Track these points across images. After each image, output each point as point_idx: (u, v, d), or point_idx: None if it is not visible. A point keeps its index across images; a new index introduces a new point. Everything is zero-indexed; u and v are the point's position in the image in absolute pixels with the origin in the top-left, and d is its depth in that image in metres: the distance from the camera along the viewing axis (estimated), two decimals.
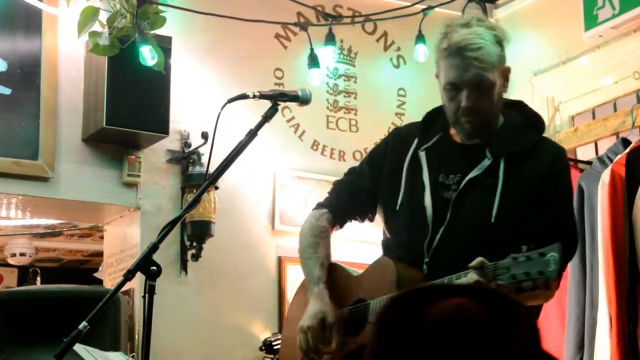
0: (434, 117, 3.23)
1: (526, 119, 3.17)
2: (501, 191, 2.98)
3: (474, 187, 3.01)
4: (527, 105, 3.25)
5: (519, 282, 2.58)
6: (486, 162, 3.03)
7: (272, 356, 4.79)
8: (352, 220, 3.36)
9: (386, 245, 3.21)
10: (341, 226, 3.36)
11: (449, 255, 2.93)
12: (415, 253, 3.00)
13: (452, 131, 3.16)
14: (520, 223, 2.94)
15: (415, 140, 3.17)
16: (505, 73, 3.09)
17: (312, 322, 3.05)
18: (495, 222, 2.95)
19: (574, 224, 3.10)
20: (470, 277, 2.71)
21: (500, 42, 3.06)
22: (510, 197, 2.97)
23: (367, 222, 3.34)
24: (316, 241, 3.25)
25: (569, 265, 4.57)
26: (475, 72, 2.98)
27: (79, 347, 3.10)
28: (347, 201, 3.31)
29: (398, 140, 3.26)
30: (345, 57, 5.64)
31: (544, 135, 3.21)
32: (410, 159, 3.14)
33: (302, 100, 3.06)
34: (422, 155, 3.13)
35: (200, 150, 4.96)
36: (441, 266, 2.92)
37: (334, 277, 3.22)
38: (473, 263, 2.71)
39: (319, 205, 3.35)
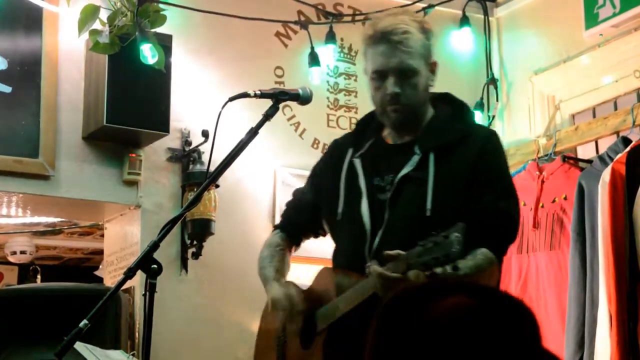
0: (367, 123, 3.26)
1: (454, 110, 3.17)
2: (433, 184, 2.98)
3: (406, 185, 3.02)
4: (454, 97, 3.25)
5: (430, 267, 2.58)
6: (416, 158, 3.04)
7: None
8: (307, 237, 3.42)
9: (333, 256, 3.23)
10: (298, 245, 3.42)
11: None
12: (357, 259, 3.01)
13: (385, 133, 3.18)
14: (457, 213, 2.92)
15: (350, 149, 3.20)
16: (433, 67, 3.14)
17: (275, 297, 3.11)
18: (431, 215, 2.95)
19: (510, 204, 3.05)
20: (373, 268, 2.74)
21: (426, 32, 3.10)
22: (443, 188, 2.98)
23: (321, 237, 3.39)
24: (270, 253, 3.31)
25: (569, 263, 4.59)
26: (401, 57, 3.02)
27: (79, 345, 3.11)
28: (296, 219, 3.38)
29: (336, 151, 3.30)
30: (345, 56, 5.64)
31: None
32: (347, 168, 3.17)
33: (303, 98, 3.06)
34: (357, 162, 3.15)
35: (201, 148, 4.96)
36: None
37: None
38: (389, 252, 2.73)
39: (274, 228, 3.43)
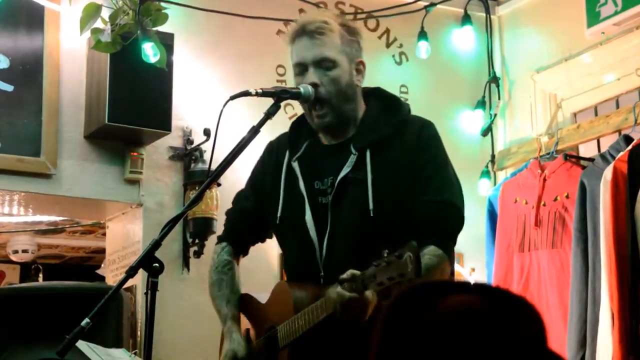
0: (301, 123, 3.22)
1: (385, 104, 3.14)
2: (372, 183, 2.96)
3: (347, 187, 2.99)
4: (384, 91, 3.22)
5: (387, 288, 2.54)
6: (352, 158, 3.01)
7: None
8: (253, 244, 3.39)
9: (286, 265, 3.25)
10: (245, 253, 3.40)
11: (340, 262, 2.87)
12: (310, 269, 3.00)
13: (320, 133, 3.15)
14: (401, 209, 2.92)
15: (287, 152, 3.17)
16: (358, 66, 3.10)
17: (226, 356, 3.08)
18: (375, 215, 2.93)
19: (453, 193, 3.02)
20: (343, 294, 2.67)
21: (348, 29, 3.09)
22: (383, 186, 2.95)
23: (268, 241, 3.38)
24: (220, 278, 3.28)
25: (571, 261, 4.58)
26: (318, 49, 3.03)
27: (81, 344, 3.10)
28: (240, 228, 3.34)
29: (272, 154, 3.27)
30: None
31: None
32: (285, 172, 3.14)
33: (304, 97, 3.05)
34: (296, 165, 3.13)
35: (203, 147, 4.96)
36: (336, 274, 2.84)
37: (247, 307, 3.25)
38: (343, 276, 2.68)
39: (219, 239, 3.38)
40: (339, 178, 3.00)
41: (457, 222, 3.02)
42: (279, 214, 3.10)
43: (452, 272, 3.07)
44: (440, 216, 2.95)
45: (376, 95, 3.19)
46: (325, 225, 3.00)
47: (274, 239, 3.32)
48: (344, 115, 3.06)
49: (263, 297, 3.23)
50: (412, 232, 2.83)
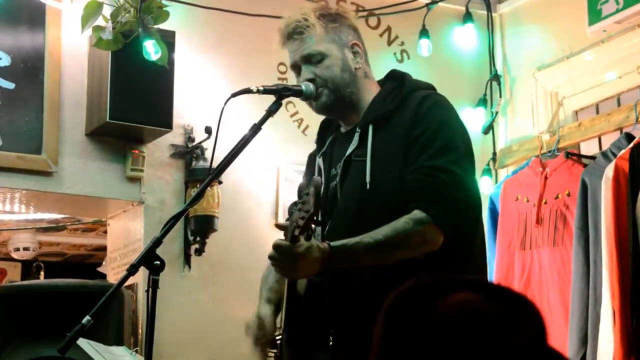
0: (328, 123, 3.28)
1: (394, 84, 3.14)
2: (371, 155, 2.96)
3: (351, 164, 3.02)
4: (396, 71, 3.23)
5: (302, 227, 2.60)
6: (357, 136, 3.03)
7: (275, 351, 4.78)
8: None
9: None
10: None
11: (337, 233, 2.88)
12: None
13: (341, 127, 3.19)
14: (397, 180, 2.91)
15: (317, 152, 3.25)
16: (354, 48, 3.13)
17: (251, 321, 3.12)
18: (370, 187, 2.92)
19: (449, 158, 2.92)
20: (273, 242, 2.74)
21: (327, 16, 3.11)
22: (382, 159, 2.95)
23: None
24: (269, 271, 3.24)
25: (573, 259, 4.58)
26: (302, 47, 3.07)
27: (82, 342, 3.10)
28: None
29: (311, 160, 3.33)
30: None
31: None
32: (317, 171, 3.18)
33: (306, 94, 3.06)
34: (320, 161, 3.18)
35: (204, 144, 4.96)
36: None
37: None
38: (278, 223, 2.80)
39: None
40: (344, 156, 3.04)
41: (452, 186, 2.89)
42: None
43: (459, 240, 2.90)
44: (429, 181, 2.87)
45: (390, 77, 3.21)
46: (335, 205, 3.02)
47: None
48: (344, 98, 3.08)
49: None
50: (402, 198, 2.85)
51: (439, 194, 2.87)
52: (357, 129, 3.04)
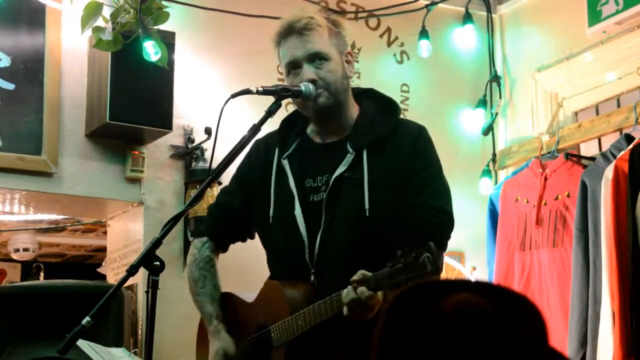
0: (291, 122, 3.23)
1: (380, 105, 3.14)
2: (368, 182, 2.96)
3: (343, 185, 3.00)
4: (377, 92, 3.22)
5: (395, 286, 2.58)
6: (349, 157, 3.01)
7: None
8: (234, 242, 3.38)
9: (271, 263, 3.20)
10: (225, 250, 3.40)
11: (333, 260, 2.90)
12: (299, 266, 2.99)
13: (311, 133, 3.16)
14: (395, 210, 2.94)
15: (277, 150, 3.17)
16: (348, 57, 3.13)
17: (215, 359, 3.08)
18: (370, 215, 2.94)
19: (447, 201, 3.04)
20: (359, 291, 2.68)
21: (332, 21, 3.11)
22: (379, 186, 2.96)
23: (249, 240, 3.37)
24: (202, 274, 3.27)
25: (572, 260, 4.58)
26: (309, 45, 3.04)
27: (82, 343, 3.10)
28: (224, 224, 3.31)
29: (260, 151, 3.25)
30: None
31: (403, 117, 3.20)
32: (276, 170, 3.13)
33: (305, 95, 3.05)
34: (286, 163, 3.12)
35: (204, 145, 4.96)
36: (328, 272, 2.92)
37: (229, 306, 3.24)
38: (354, 277, 2.69)
39: (199, 233, 3.37)
40: (334, 176, 3.00)
41: (449, 230, 3.03)
42: (271, 213, 3.09)
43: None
44: (436, 222, 2.97)
45: (370, 96, 3.20)
46: (318, 223, 2.99)
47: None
48: (341, 103, 3.07)
49: (246, 296, 3.22)
50: (409, 235, 2.88)
51: (444, 238, 3.00)
52: (350, 150, 3.02)
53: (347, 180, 2.99)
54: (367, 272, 2.67)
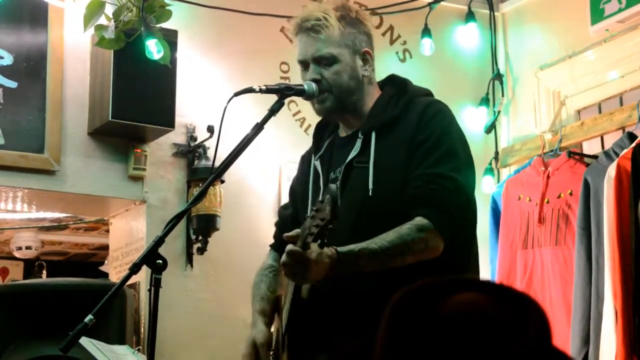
0: (324, 125, 3.26)
1: (396, 89, 3.13)
2: (374, 162, 2.95)
3: (352, 169, 3.00)
4: (397, 76, 3.22)
5: (316, 235, 2.60)
6: (359, 142, 3.02)
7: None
8: None
9: None
10: None
11: (339, 243, 2.86)
12: None
13: (340, 130, 3.18)
14: (400, 187, 2.91)
15: (312, 154, 3.21)
16: (364, 56, 3.10)
17: (246, 349, 3.09)
18: (374, 195, 2.92)
19: (451, 166, 2.95)
20: (286, 248, 2.71)
21: (347, 19, 3.07)
22: (385, 167, 2.95)
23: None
24: (260, 279, 3.27)
25: (575, 259, 4.58)
26: (316, 46, 3.04)
27: (84, 341, 3.11)
28: (281, 235, 3.35)
29: (304, 162, 3.31)
30: None
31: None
32: (312, 173, 3.16)
33: (308, 94, 3.05)
34: (317, 163, 3.15)
35: (206, 144, 4.96)
36: None
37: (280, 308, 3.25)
38: (287, 234, 2.73)
39: (269, 247, 3.40)
40: (344, 163, 3.02)
41: (453, 193, 2.92)
42: (308, 214, 3.11)
43: (457, 246, 2.96)
44: (431, 188, 2.88)
45: (389, 82, 3.20)
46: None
47: None
48: (347, 105, 3.06)
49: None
50: (404, 205, 2.85)
51: (441, 200, 2.89)
52: (360, 135, 3.03)
53: (356, 165, 3.00)
54: (297, 230, 2.70)
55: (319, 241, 2.65)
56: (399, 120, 3.02)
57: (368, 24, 3.17)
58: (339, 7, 3.12)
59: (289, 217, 3.31)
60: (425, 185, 2.89)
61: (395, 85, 3.17)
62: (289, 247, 2.69)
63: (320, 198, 2.57)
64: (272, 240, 3.39)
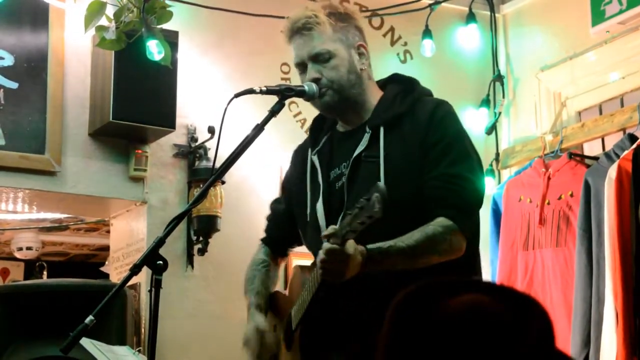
0: (322, 121, 3.25)
1: (401, 87, 3.14)
2: (384, 158, 2.95)
3: (361, 164, 3.00)
4: (402, 75, 3.23)
5: (357, 233, 2.58)
6: (367, 137, 3.01)
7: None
8: (291, 247, 3.40)
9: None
10: (283, 255, 3.42)
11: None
12: (318, 250, 2.96)
13: (338, 126, 3.17)
14: (412, 184, 2.91)
15: (309, 149, 3.20)
16: (359, 50, 3.11)
17: (249, 334, 3.12)
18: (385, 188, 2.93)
19: (466, 167, 2.97)
20: (324, 246, 2.68)
21: (336, 15, 3.08)
22: (395, 162, 2.94)
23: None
24: (253, 274, 3.29)
25: (575, 260, 4.58)
26: (310, 44, 3.04)
27: (85, 341, 3.11)
28: (274, 229, 3.39)
29: (298, 157, 3.30)
30: None
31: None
32: (310, 168, 3.15)
33: (309, 95, 3.05)
34: (315, 159, 3.14)
35: (207, 144, 4.97)
36: None
37: (275, 304, 3.26)
38: (324, 232, 2.69)
39: (260, 241, 3.42)
40: (352, 157, 3.01)
41: (471, 194, 2.95)
42: (308, 211, 3.11)
43: (475, 247, 3.01)
44: (451, 188, 2.90)
45: (394, 80, 3.20)
46: (342, 207, 2.96)
47: None
48: (349, 99, 3.06)
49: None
50: (424, 205, 2.86)
51: (462, 201, 2.92)
52: (367, 130, 3.02)
53: (365, 159, 2.99)
54: (335, 226, 2.66)
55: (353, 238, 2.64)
56: (406, 117, 3.02)
57: (358, 18, 3.18)
58: (326, 6, 3.13)
59: (283, 212, 3.32)
60: (445, 185, 2.90)
61: (401, 83, 3.18)
62: (328, 245, 2.66)
63: (366, 195, 2.52)
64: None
